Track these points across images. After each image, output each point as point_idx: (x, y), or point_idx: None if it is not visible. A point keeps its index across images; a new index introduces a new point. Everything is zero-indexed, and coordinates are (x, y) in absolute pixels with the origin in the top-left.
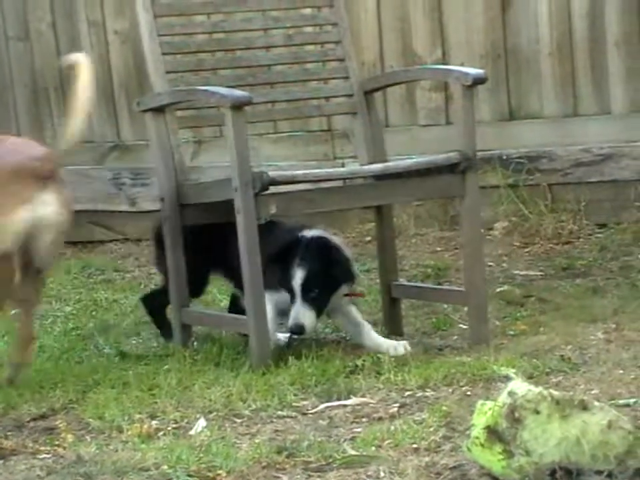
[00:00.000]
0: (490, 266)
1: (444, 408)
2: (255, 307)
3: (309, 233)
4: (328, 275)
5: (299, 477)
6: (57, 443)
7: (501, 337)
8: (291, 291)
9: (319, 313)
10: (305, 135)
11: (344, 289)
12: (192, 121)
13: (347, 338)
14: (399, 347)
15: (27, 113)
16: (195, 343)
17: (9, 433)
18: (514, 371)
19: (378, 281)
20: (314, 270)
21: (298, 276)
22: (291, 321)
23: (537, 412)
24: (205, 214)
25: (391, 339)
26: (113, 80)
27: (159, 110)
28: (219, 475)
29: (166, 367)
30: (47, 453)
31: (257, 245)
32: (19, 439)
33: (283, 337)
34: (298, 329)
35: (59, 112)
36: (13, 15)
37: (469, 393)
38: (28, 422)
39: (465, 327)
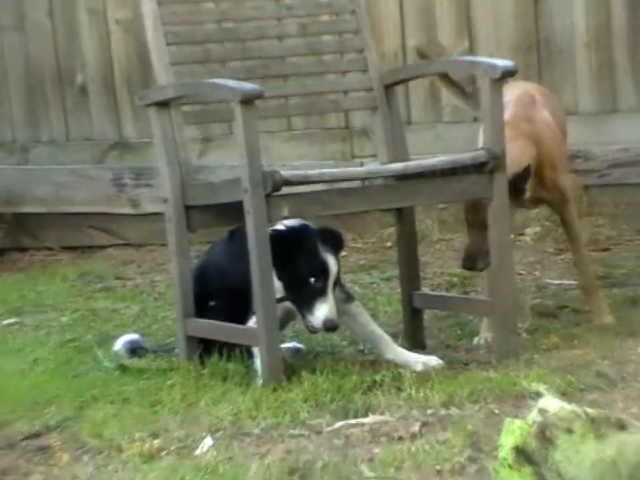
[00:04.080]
0: (520, 274)
1: (469, 427)
2: (265, 317)
3: (290, 223)
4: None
5: None
6: (51, 462)
7: (532, 350)
8: (317, 285)
9: None
10: (320, 132)
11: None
12: (199, 116)
13: (365, 351)
14: (430, 360)
15: (22, 107)
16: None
17: (0, 452)
18: (545, 387)
19: (399, 290)
20: (336, 258)
21: (331, 266)
22: (327, 316)
23: (570, 431)
24: (212, 217)
25: (414, 353)
26: (115, 72)
27: (164, 104)
28: None
29: (169, 381)
30: (41, 474)
31: (268, 250)
32: (10, 458)
33: (284, 347)
34: (334, 326)
35: (56, 106)
36: (7, 2)
37: (496, 410)
38: (21, 440)
39: (492, 339)
